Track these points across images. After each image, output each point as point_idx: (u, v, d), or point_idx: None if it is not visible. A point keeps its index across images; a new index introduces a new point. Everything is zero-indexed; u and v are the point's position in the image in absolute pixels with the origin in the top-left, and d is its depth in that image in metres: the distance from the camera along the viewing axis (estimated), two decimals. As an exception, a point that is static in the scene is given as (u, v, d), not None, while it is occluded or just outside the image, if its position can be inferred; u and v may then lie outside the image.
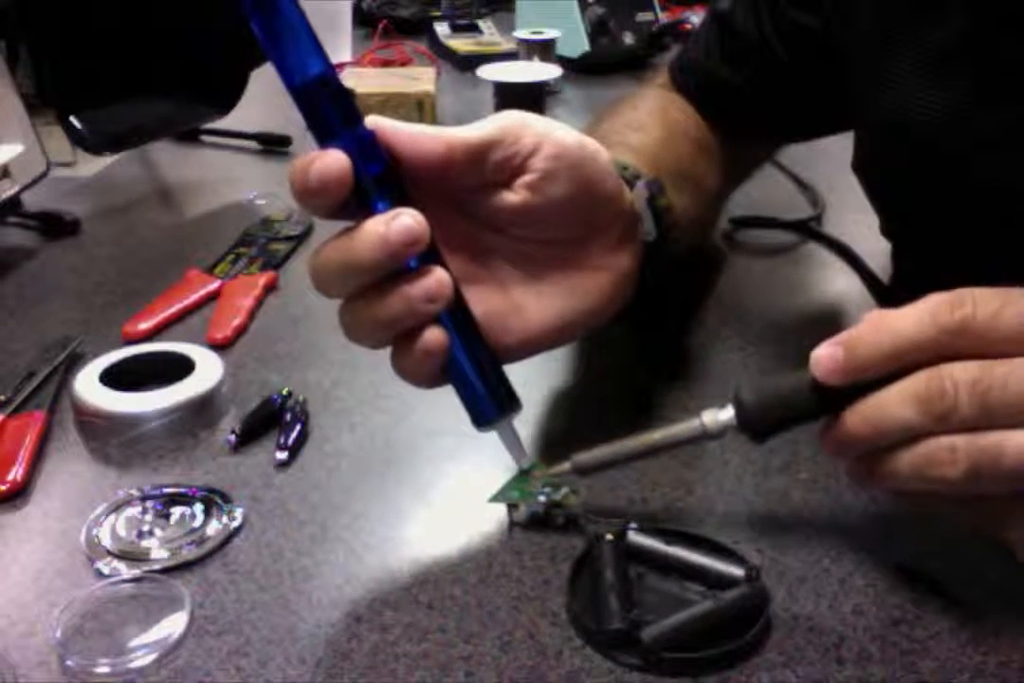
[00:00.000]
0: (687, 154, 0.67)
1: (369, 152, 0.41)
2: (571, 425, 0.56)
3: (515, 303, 0.48)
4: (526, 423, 0.55)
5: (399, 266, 0.42)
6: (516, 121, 0.46)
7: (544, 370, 0.59)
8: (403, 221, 0.41)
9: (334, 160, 0.40)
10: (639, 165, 0.56)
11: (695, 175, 0.66)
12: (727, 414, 0.43)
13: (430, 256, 0.42)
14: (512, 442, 0.47)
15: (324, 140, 0.41)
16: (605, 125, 0.68)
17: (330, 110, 0.41)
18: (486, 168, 0.45)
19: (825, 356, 0.40)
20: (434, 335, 0.42)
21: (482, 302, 0.46)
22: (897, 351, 0.38)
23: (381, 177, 0.42)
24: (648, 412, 0.57)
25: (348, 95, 0.42)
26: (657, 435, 0.45)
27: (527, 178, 0.45)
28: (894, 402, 0.38)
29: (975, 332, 0.37)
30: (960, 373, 0.37)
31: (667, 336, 0.66)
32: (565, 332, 0.49)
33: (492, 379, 0.45)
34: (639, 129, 0.66)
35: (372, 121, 0.42)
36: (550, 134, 0.46)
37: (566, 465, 0.46)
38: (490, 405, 0.45)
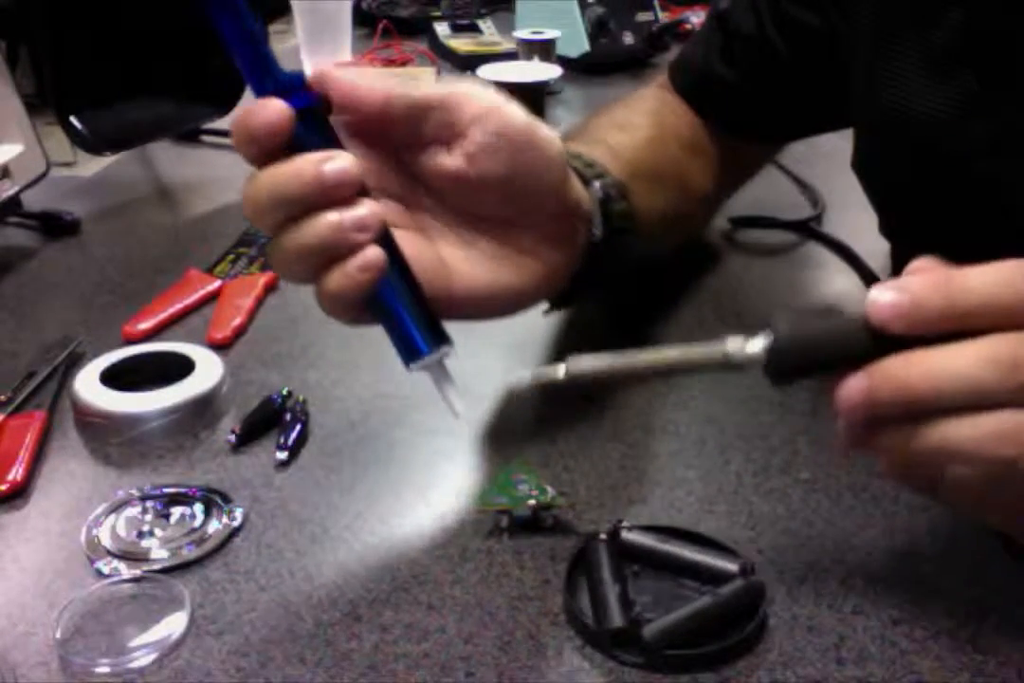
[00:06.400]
0: (674, 156, 0.67)
1: (301, 94, 0.42)
2: (563, 423, 0.56)
3: (442, 258, 0.47)
4: (516, 422, 0.54)
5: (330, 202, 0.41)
6: (468, 90, 0.45)
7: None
8: (339, 164, 0.41)
9: (275, 110, 0.40)
10: (610, 165, 0.56)
11: (680, 176, 0.66)
12: (756, 346, 0.38)
13: (360, 193, 0.42)
14: (444, 383, 0.45)
15: (257, 85, 0.42)
16: (594, 121, 0.68)
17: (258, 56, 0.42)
18: (425, 127, 0.44)
19: (887, 300, 0.34)
20: (373, 252, 0.41)
21: (409, 248, 0.44)
22: (973, 310, 0.33)
23: (313, 115, 0.42)
24: (648, 412, 0.57)
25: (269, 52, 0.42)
26: (672, 352, 0.40)
27: (465, 146, 0.45)
28: (967, 360, 0.33)
29: None
30: None
31: (666, 336, 0.66)
32: (490, 304, 0.48)
33: (422, 313, 0.44)
34: (624, 128, 0.66)
35: (318, 69, 0.43)
36: (498, 109, 0.45)
37: (560, 370, 0.40)
38: (421, 339, 0.44)
